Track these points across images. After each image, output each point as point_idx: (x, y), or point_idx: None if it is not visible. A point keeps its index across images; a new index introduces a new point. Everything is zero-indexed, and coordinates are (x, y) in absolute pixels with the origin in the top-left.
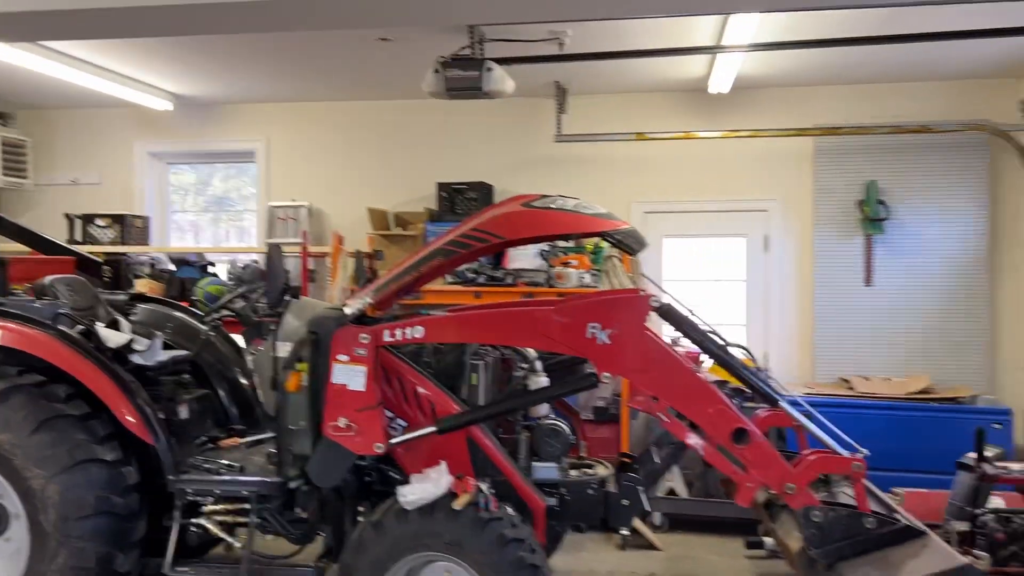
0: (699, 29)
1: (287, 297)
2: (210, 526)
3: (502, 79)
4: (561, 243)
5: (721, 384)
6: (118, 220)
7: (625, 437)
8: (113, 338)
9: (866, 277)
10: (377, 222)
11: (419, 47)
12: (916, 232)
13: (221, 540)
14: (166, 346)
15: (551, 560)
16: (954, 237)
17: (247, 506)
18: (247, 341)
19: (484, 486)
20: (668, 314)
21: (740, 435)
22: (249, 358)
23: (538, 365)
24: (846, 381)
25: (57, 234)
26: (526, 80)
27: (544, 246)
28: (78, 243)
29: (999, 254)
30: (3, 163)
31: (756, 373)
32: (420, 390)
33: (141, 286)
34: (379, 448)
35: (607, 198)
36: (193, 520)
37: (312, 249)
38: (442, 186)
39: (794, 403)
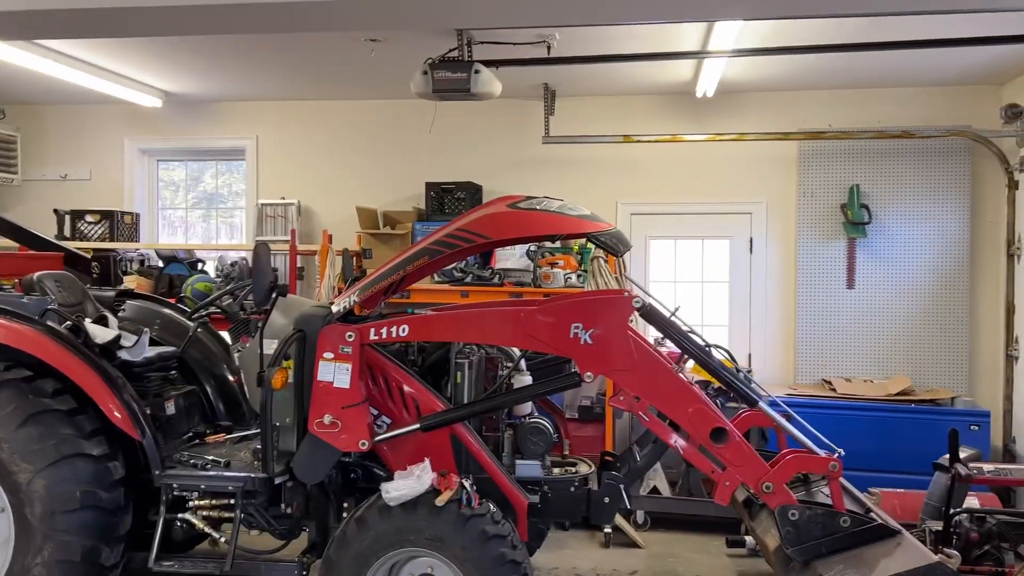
0: (685, 34)
1: (273, 295)
2: (195, 521)
3: (489, 81)
4: (548, 244)
5: (705, 385)
6: (107, 216)
7: (610, 436)
8: (100, 334)
9: (848, 280)
10: (366, 221)
11: (408, 48)
12: (898, 236)
13: (206, 535)
14: (153, 342)
15: (534, 557)
16: (936, 241)
17: (232, 501)
18: (234, 338)
19: (467, 483)
20: (650, 315)
21: (719, 434)
22: (236, 355)
23: (522, 364)
24: (828, 382)
25: (46, 230)
26: (514, 82)
27: (531, 246)
28: (67, 239)
29: (980, 259)
30: None
31: (735, 374)
32: (405, 388)
33: (130, 282)
34: (363, 445)
35: (594, 199)
36: (179, 515)
37: (301, 247)
38: (431, 186)
39: (773, 404)
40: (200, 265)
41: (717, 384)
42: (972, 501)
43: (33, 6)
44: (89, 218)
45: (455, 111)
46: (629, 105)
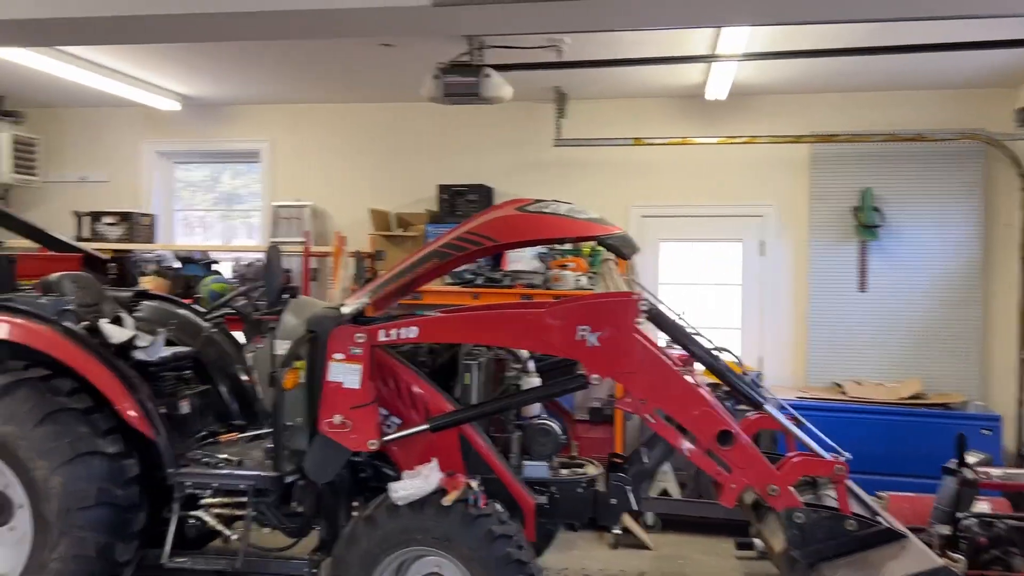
0: (695, 38)
1: (285, 296)
2: (208, 519)
3: (499, 85)
4: (559, 246)
5: (715, 387)
6: (125, 218)
7: (620, 438)
8: (116, 334)
9: (860, 283)
10: (379, 223)
11: (420, 52)
12: (910, 239)
13: (219, 532)
14: (169, 342)
15: (544, 558)
16: (948, 244)
17: (244, 499)
18: (247, 338)
19: (474, 483)
20: (656, 318)
21: (724, 437)
22: (249, 355)
23: (531, 366)
24: (839, 386)
25: (65, 231)
26: (526, 85)
27: (542, 249)
28: (86, 240)
29: (993, 262)
30: (14, 161)
31: (741, 377)
32: (414, 389)
33: (147, 283)
34: (373, 445)
35: (605, 202)
36: (192, 513)
37: (314, 249)
38: (443, 188)
39: (780, 407)
40: (216, 266)
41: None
42: (982, 506)
43: (57, 14)
44: (107, 220)
45: (467, 114)
46: (640, 108)
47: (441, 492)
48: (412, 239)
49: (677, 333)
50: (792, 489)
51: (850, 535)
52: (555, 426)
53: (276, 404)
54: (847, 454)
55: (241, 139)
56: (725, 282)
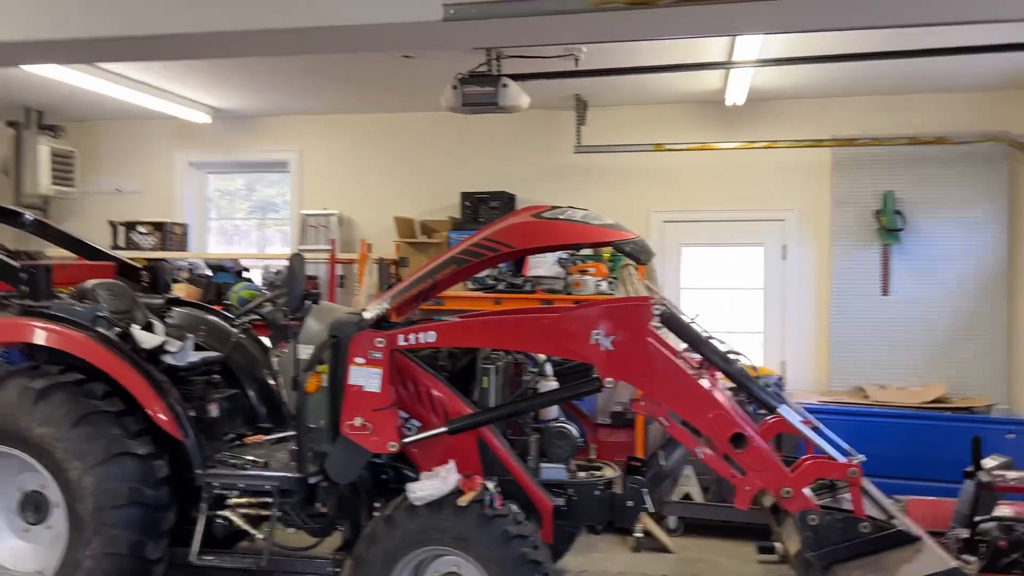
0: (711, 44)
1: (307, 302)
2: (235, 518)
3: (517, 94)
4: (579, 251)
5: (736, 392)
6: (158, 227)
7: (640, 441)
8: (147, 340)
9: (883, 286)
10: (404, 230)
11: (441, 64)
12: (933, 242)
13: (246, 532)
14: (198, 348)
15: (564, 560)
16: (972, 247)
17: (269, 500)
18: (273, 343)
19: (490, 484)
20: (669, 321)
21: (738, 440)
22: (274, 359)
23: (548, 369)
24: (862, 389)
25: (101, 240)
26: (546, 93)
27: (563, 254)
28: (121, 249)
29: (1017, 265)
30: (52, 173)
31: (755, 380)
32: (434, 392)
33: (179, 290)
34: (393, 447)
35: (626, 208)
36: (219, 512)
37: (341, 256)
38: (465, 195)
39: (794, 410)
40: (246, 273)
41: None
42: (1006, 510)
43: (96, 33)
44: (141, 229)
45: (489, 122)
46: (660, 114)
47: (458, 493)
48: (435, 245)
49: (691, 337)
50: (807, 491)
51: (864, 537)
52: (572, 429)
53: (299, 407)
54: (861, 456)
55: (270, 149)
56: (747, 286)
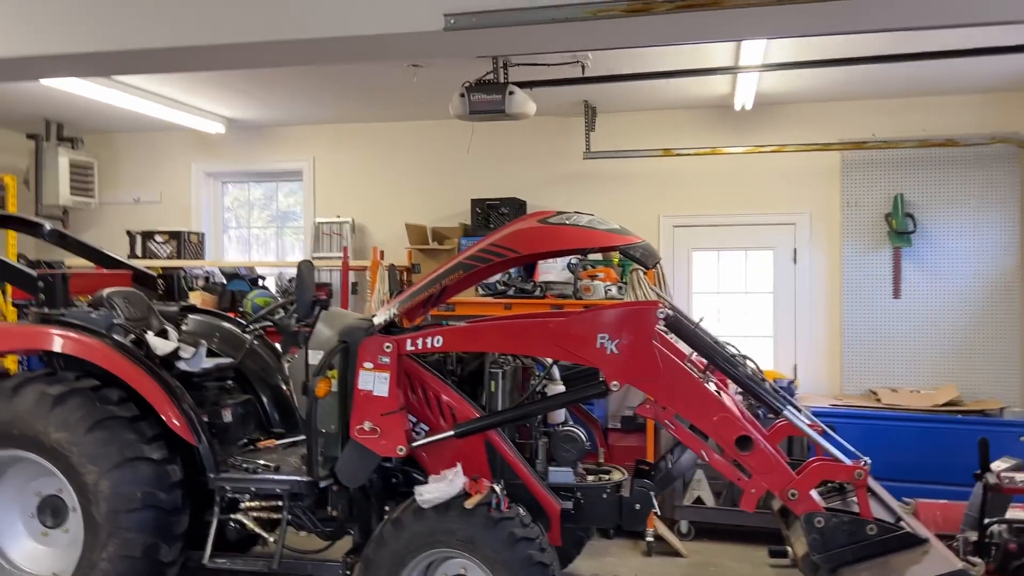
0: (718, 49)
1: (317, 309)
2: (247, 522)
3: (524, 102)
4: (591, 256)
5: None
6: (175, 236)
7: (651, 446)
8: (161, 346)
9: (894, 290)
10: (415, 237)
11: (450, 72)
12: (945, 245)
13: (258, 535)
14: (212, 354)
15: (575, 564)
16: (983, 249)
17: (281, 503)
18: (284, 349)
19: (497, 487)
20: (674, 325)
21: (743, 442)
22: (286, 365)
23: (555, 373)
24: (874, 393)
25: (119, 250)
26: (555, 100)
27: (572, 259)
28: (138, 258)
29: None
30: (72, 184)
31: (760, 383)
32: (442, 397)
33: (194, 298)
34: (401, 451)
35: (636, 212)
36: (232, 516)
37: (354, 263)
38: (476, 202)
39: (801, 413)
40: (261, 281)
41: None
42: (1019, 513)
43: (113, 47)
44: (158, 238)
45: (499, 129)
46: (669, 119)
47: (465, 495)
48: (447, 252)
49: (696, 340)
50: (814, 494)
51: (871, 539)
52: (580, 433)
53: (310, 412)
54: (867, 459)
55: (284, 159)
56: (758, 290)
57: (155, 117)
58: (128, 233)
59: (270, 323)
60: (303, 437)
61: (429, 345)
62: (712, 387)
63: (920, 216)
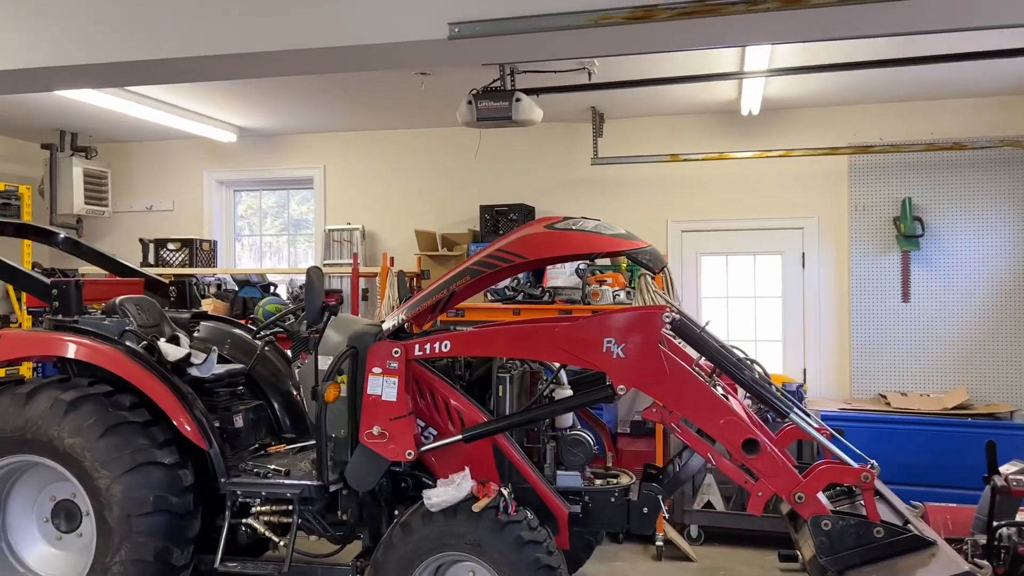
0: (724, 54)
1: (326, 314)
2: (258, 526)
3: (530, 108)
4: (599, 261)
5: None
6: (187, 244)
7: (660, 450)
8: (172, 352)
9: (903, 293)
10: (425, 243)
11: (457, 79)
12: (953, 248)
13: (269, 539)
14: (223, 360)
15: (585, 568)
16: (992, 252)
17: (291, 508)
18: (294, 355)
19: (505, 491)
20: (680, 330)
21: (750, 445)
22: (296, 371)
23: (563, 378)
24: (883, 397)
25: (132, 258)
26: (563, 106)
27: (580, 265)
28: (151, 266)
29: None
30: (85, 193)
31: (767, 387)
32: (450, 401)
33: (206, 305)
34: (410, 455)
35: (644, 217)
36: (243, 520)
37: (364, 269)
38: (485, 208)
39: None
40: (272, 288)
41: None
42: None
43: (126, 58)
44: (171, 246)
45: (508, 136)
46: (676, 124)
47: (473, 499)
48: (456, 258)
49: (702, 344)
50: (821, 497)
51: (878, 542)
52: (588, 437)
53: (319, 417)
54: (873, 462)
55: (295, 166)
56: (766, 295)
57: (168, 126)
58: (141, 241)
59: (281, 329)
60: (313, 442)
61: (437, 350)
62: (719, 391)
63: (928, 220)
